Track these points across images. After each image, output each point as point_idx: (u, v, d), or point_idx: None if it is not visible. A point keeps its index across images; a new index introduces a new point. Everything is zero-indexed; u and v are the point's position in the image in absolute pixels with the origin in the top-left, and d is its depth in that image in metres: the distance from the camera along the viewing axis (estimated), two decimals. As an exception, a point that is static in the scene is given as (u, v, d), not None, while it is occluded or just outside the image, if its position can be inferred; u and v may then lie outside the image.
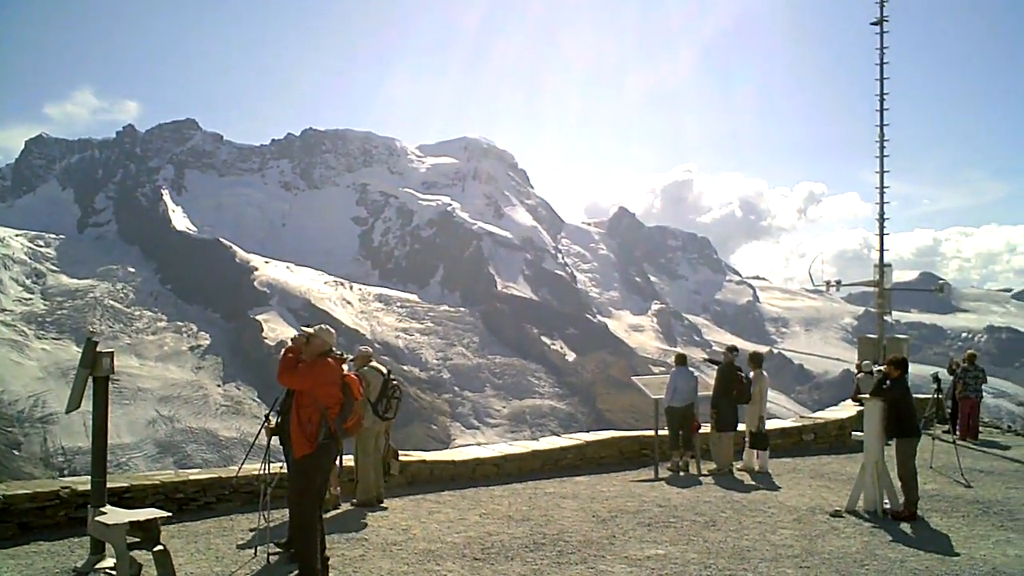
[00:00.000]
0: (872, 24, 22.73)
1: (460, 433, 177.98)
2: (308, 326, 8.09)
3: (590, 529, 9.92)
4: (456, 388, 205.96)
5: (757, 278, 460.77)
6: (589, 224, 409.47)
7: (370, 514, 10.50)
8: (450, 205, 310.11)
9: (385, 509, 10.80)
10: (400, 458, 11.74)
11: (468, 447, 14.96)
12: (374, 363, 11.17)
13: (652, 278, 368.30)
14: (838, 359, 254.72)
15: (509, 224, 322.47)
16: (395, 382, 11.07)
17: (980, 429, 19.75)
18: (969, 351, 20.25)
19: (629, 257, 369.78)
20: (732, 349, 14.95)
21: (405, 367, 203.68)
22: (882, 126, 22.65)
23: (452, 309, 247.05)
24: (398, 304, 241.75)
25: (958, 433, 17.98)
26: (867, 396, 11.44)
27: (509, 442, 14.95)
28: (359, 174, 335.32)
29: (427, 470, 12.63)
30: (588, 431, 16.15)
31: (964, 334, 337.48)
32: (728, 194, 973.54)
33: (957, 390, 19.09)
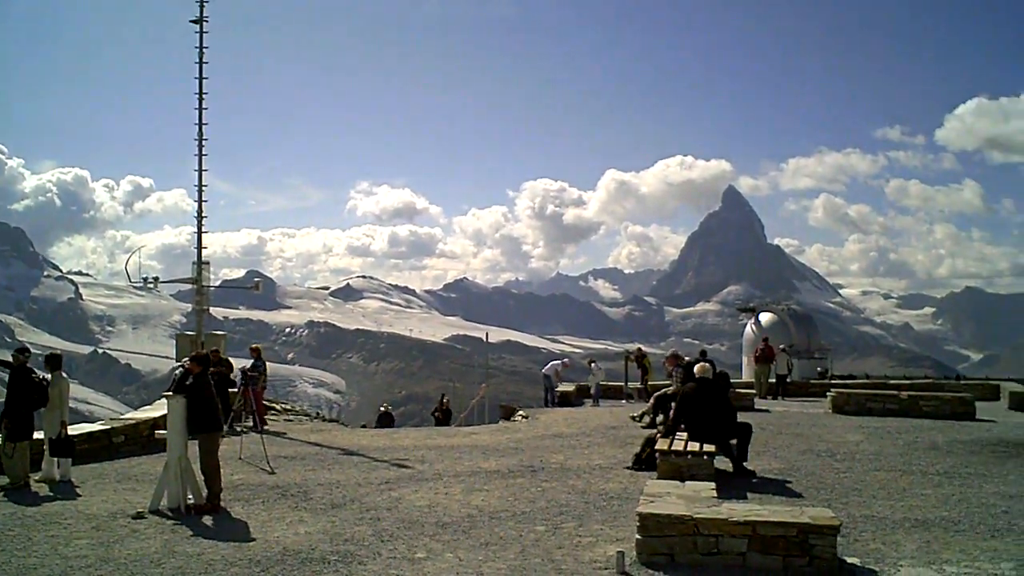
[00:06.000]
0: (192, 22, 22.80)
1: None
2: None
3: None
4: None
5: (80, 274, 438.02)
6: None
7: None
8: None
9: None
10: None
11: None
12: None
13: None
14: (167, 357, 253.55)
15: None
16: None
17: (292, 419, 21.08)
18: (253, 346, 21.20)
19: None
20: (23, 351, 13.55)
21: None
22: (201, 124, 22.87)
23: None
24: None
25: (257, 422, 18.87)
26: (169, 393, 11.34)
27: None
28: None
29: None
30: None
31: (288, 329, 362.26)
32: (45, 182, 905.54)
33: (259, 383, 20.06)
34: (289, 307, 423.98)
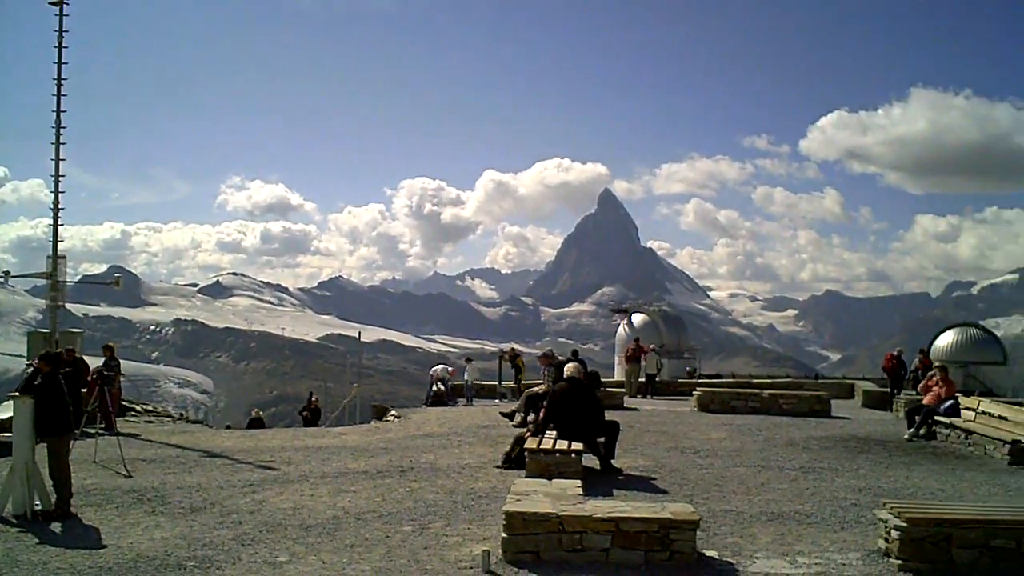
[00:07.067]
0: (51, 3, 21.65)
1: None
2: None
3: None
4: None
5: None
6: None
7: None
8: None
9: None
10: None
11: None
12: None
13: None
14: (19, 356, 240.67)
15: None
16: None
17: (153, 420, 20.26)
18: (106, 344, 20.40)
19: None
20: None
21: None
22: (59, 111, 21.73)
23: None
24: None
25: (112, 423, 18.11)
26: (16, 393, 10.73)
27: None
28: None
29: None
30: None
31: (153, 327, 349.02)
32: None
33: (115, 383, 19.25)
34: (154, 304, 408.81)
